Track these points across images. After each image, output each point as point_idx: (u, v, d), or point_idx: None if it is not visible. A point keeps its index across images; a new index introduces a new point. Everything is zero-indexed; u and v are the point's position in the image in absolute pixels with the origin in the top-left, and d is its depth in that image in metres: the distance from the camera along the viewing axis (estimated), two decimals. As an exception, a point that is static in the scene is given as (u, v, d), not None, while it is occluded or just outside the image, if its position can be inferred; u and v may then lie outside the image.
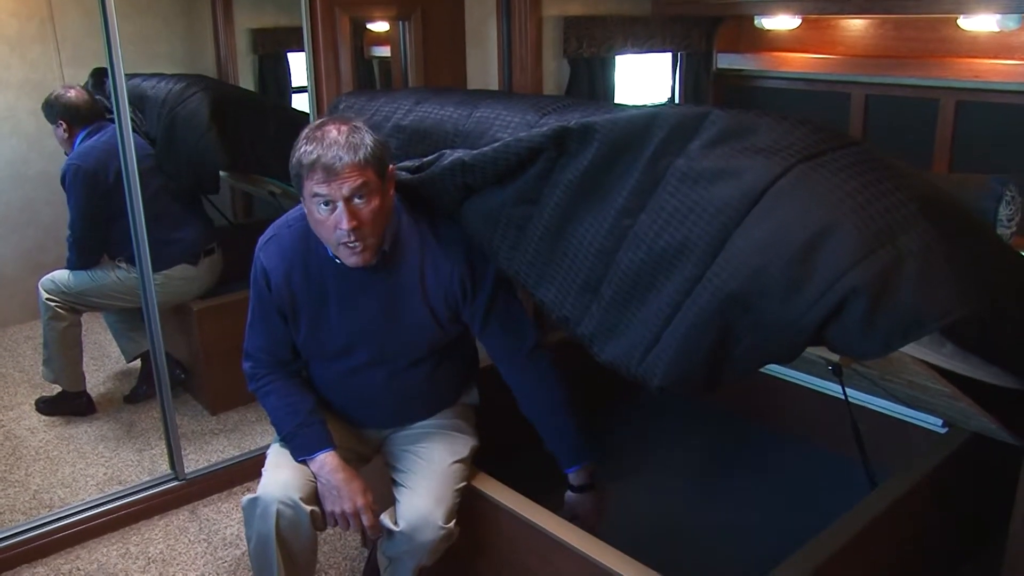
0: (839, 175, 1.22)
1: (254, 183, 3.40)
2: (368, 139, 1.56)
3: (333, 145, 1.52)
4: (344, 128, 1.55)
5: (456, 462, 1.79)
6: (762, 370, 1.49)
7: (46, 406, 3.05)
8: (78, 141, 2.86)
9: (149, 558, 2.32)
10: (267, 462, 1.77)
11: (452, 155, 1.65)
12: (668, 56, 3.41)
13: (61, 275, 2.91)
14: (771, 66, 3.34)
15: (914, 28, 2.92)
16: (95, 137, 2.84)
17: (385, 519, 1.72)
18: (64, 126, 2.86)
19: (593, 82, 2.99)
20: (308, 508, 1.67)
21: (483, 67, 2.77)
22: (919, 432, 2.12)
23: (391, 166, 1.64)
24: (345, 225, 1.53)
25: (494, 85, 2.79)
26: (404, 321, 1.74)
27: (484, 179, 1.61)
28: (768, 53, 3.34)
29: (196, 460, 2.72)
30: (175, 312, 3.03)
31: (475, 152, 1.61)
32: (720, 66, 3.45)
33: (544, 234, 1.54)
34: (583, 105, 1.63)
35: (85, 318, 3.02)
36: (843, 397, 1.95)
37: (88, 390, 3.08)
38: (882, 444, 2.03)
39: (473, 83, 2.74)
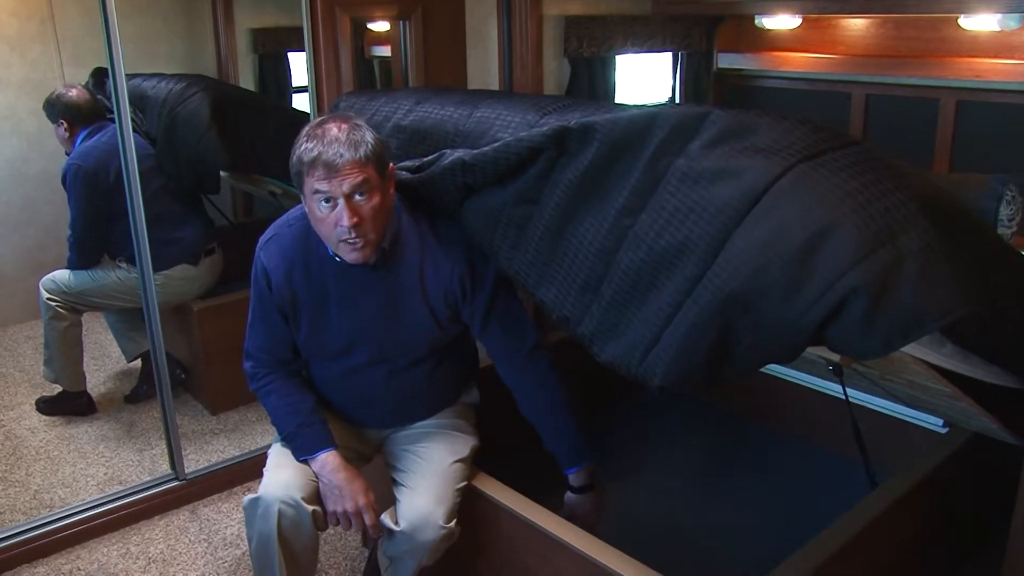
0: (839, 175, 1.22)
1: (254, 183, 3.40)
2: (368, 136, 1.56)
3: (334, 142, 1.52)
4: (344, 125, 1.55)
5: (456, 462, 1.79)
6: (762, 370, 1.49)
7: (47, 406, 3.05)
8: (79, 140, 2.86)
9: (149, 558, 2.32)
10: (268, 462, 1.77)
11: (452, 155, 1.65)
12: (668, 56, 3.41)
13: (62, 275, 2.91)
14: (771, 66, 3.34)
15: (915, 27, 2.92)
16: (96, 137, 2.84)
17: (386, 519, 1.72)
18: (65, 125, 2.86)
19: (593, 82, 2.99)
20: (310, 508, 1.67)
21: (483, 67, 2.77)
22: (920, 432, 2.12)
23: (391, 164, 1.64)
24: (346, 222, 1.53)
25: (494, 85, 2.79)
26: (404, 320, 1.74)
27: (484, 179, 1.61)
28: (768, 53, 3.34)
29: (196, 460, 2.72)
30: (175, 312, 3.03)
31: (475, 152, 1.61)
32: (720, 66, 3.45)
33: (544, 234, 1.54)
34: (583, 105, 1.63)
35: (85, 318, 3.02)
36: (843, 397, 1.95)
37: (88, 390, 3.08)
38: (882, 444, 2.03)
39: (473, 83, 2.74)
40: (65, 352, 2.95)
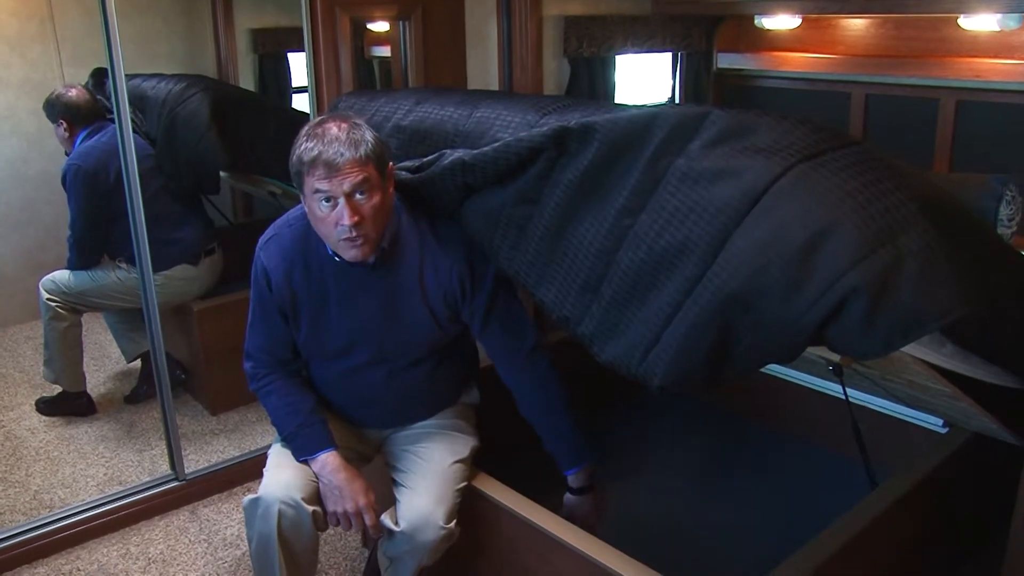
0: (839, 175, 1.22)
1: (254, 183, 3.40)
2: (368, 135, 1.56)
3: (334, 141, 1.52)
4: (344, 125, 1.55)
5: (456, 462, 1.79)
6: (762, 370, 1.48)
7: (46, 406, 3.05)
8: (79, 141, 2.86)
9: (149, 558, 2.32)
10: (268, 462, 1.77)
11: (452, 155, 1.65)
12: (668, 56, 3.41)
13: (62, 275, 2.91)
14: (771, 66, 3.34)
15: (914, 27, 2.92)
16: (96, 137, 2.84)
17: (386, 519, 1.72)
18: (65, 125, 2.86)
19: (593, 82, 2.99)
20: (310, 508, 1.67)
21: (483, 67, 2.77)
22: (920, 432, 2.12)
23: (391, 164, 1.64)
24: (347, 221, 1.53)
25: (494, 85, 2.79)
26: (403, 320, 1.74)
27: (484, 179, 1.61)
28: (768, 53, 3.34)
29: (196, 460, 2.72)
30: (175, 312, 3.03)
31: (475, 152, 1.61)
32: (720, 66, 3.45)
33: (544, 234, 1.54)
34: (583, 105, 1.63)
35: (85, 318, 3.02)
36: (843, 397, 1.95)
37: (88, 390, 3.08)
38: (882, 444, 2.03)
39: (473, 83, 2.74)
40: (65, 352, 2.95)
